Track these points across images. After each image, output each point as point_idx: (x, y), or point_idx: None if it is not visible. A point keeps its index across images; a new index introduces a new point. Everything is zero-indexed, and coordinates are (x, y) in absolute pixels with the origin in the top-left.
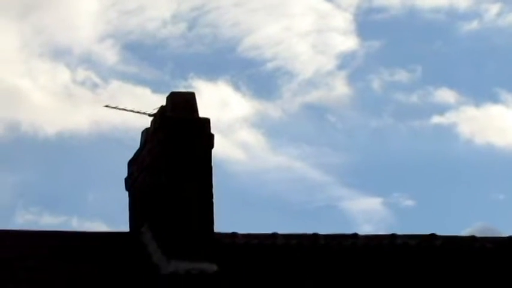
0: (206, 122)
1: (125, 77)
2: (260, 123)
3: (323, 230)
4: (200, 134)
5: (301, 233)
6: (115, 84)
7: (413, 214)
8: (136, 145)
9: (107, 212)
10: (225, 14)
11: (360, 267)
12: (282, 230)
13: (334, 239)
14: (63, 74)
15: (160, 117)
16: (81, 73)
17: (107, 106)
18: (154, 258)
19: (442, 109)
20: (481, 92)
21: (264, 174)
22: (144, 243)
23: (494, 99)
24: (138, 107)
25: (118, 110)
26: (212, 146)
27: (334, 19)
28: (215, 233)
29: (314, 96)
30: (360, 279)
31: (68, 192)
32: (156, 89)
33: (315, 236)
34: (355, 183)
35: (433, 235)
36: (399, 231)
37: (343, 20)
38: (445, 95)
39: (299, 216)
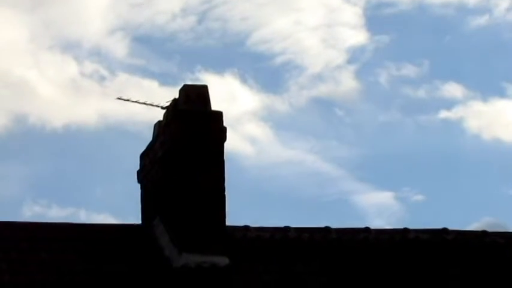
0: (219, 115)
1: (133, 70)
2: (268, 117)
3: (334, 224)
4: (213, 127)
5: (313, 227)
6: (122, 77)
7: (423, 208)
8: (144, 138)
9: (114, 204)
10: (234, 8)
11: (372, 261)
12: (293, 224)
13: (346, 233)
14: (71, 67)
15: (173, 110)
16: (89, 66)
17: (119, 98)
18: (166, 251)
19: (449, 104)
20: (489, 87)
21: (274, 168)
22: (156, 236)
23: (502, 94)
24: (145, 99)
25: (130, 103)
26: (225, 139)
27: (344, 13)
28: (227, 226)
29: (322, 90)
30: (372, 273)
31: (76, 185)
32: (163, 82)
33: (327, 230)
34: (365, 177)
35: (444, 229)
36: (410, 226)
37: (352, 14)
38: (453, 89)
39: (313, 209)
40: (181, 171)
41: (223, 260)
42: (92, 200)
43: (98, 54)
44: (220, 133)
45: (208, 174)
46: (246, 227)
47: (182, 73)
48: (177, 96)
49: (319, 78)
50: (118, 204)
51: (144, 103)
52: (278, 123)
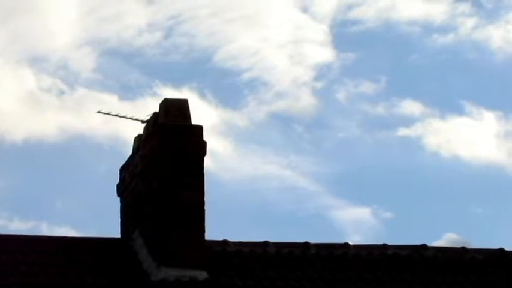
0: (199, 129)
1: (93, 84)
2: (227, 132)
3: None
4: (193, 140)
5: (292, 242)
6: (81, 91)
7: (393, 225)
8: (104, 151)
9: (75, 217)
10: (201, 24)
11: (351, 277)
12: (269, 239)
13: (325, 248)
14: (30, 81)
15: (153, 123)
16: (48, 80)
17: (99, 112)
18: (144, 264)
19: (409, 121)
20: (447, 105)
21: (234, 182)
22: (134, 249)
23: (460, 112)
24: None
25: (111, 116)
26: (205, 153)
27: (311, 31)
28: (206, 240)
29: (281, 106)
30: None
31: (37, 198)
32: (123, 97)
33: (306, 245)
34: (328, 191)
35: (423, 246)
36: (386, 242)
37: (319, 31)
38: (411, 106)
39: (259, 224)
40: (161, 185)
41: (202, 274)
42: (53, 213)
43: (63, 68)
44: (200, 147)
45: (188, 188)
46: (225, 242)
47: (141, 88)
48: (156, 110)
49: (281, 94)
50: (78, 217)
51: (125, 117)
52: (238, 138)
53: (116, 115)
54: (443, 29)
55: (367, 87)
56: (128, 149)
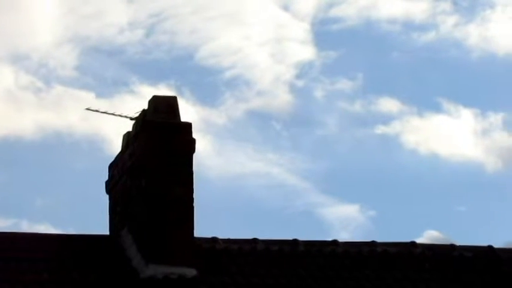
0: (188, 126)
1: (70, 82)
2: (205, 129)
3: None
4: (181, 138)
5: (281, 239)
6: (59, 88)
7: (377, 223)
8: (81, 149)
9: (54, 214)
10: (182, 22)
11: (340, 274)
12: (258, 236)
13: (314, 245)
14: (8, 78)
15: (142, 121)
16: (26, 78)
17: (87, 109)
18: (133, 262)
19: (387, 119)
20: (425, 102)
21: (217, 180)
22: (123, 246)
23: (438, 109)
24: (81, 111)
25: (100, 113)
26: (194, 151)
27: (292, 29)
28: (195, 237)
29: (259, 103)
30: (340, 286)
31: (16, 195)
32: (100, 94)
33: (295, 242)
34: (314, 188)
35: (412, 243)
36: (373, 239)
37: (300, 29)
38: (389, 105)
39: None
40: (150, 182)
41: (190, 272)
42: (32, 211)
43: (44, 66)
44: (189, 144)
45: (177, 185)
46: (214, 239)
47: (118, 85)
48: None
49: (259, 92)
50: (58, 214)
51: (113, 114)
52: (216, 135)
53: (105, 112)
54: (424, 27)
55: (345, 85)
56: (106, 147)
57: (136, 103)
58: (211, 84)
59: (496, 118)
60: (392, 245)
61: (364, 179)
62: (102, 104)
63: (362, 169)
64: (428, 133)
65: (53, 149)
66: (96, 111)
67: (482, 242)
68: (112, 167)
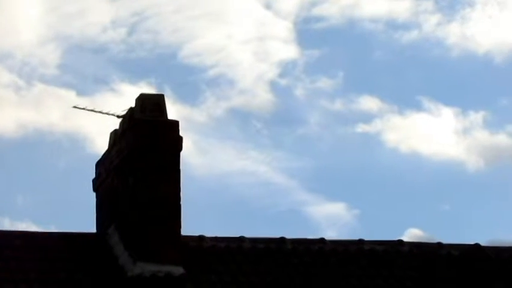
0: (175, 124)
1: (51, 80)
2: (186, 128)
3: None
4: (169, 136)
5: (268, 237)
6: (39, 86)
7: (361, 221)
8: (63, 147)
9: (36, 212)
10: (165, 21)
11: (328, 272)
12: (245, 234)
13: (301, 243)
14: None
15: (129, 119)
16: (7, 76)
17: (75, 107)
18: (120, 260)
19: (368, 117)
20: (406, 100)
21: (197, 178)
22: (110, 244)
23: (418, 107)
24: (62, 109)
25: (87, 111)
26: (181, 149)
27: (275, 27)
28: (182, 235)
29: (240, 102)
30: (328, 284)
31: None
32: (80, 92)
33: (282, 241)
34: (297, 186)
35: (400, 241)
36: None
37: (283, 28)
38: (369, 103)
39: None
40: (137, 180)
41: (178, 270)
42: (14, 208)
43: (27, 64)
44: (176, 142)
45: (164, 183)
46: (201, 237)
47: (99, 83)
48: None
49: (241, 90)
50: (39, 212)
51: (101, 112)
52: (197, 133)
53: (92, 110)
54: (407, 26)
55: (326, 83)
56: (87, 145)
57: (117, 101)
58: (193, 82)
59: (476, 117)
60: (379, 243)
61: (347, 177)
62: (83, 102)
63: (344, 168)
64: (409, 132)
65: (34, 147)
66: (83, 109)
67: (465, 241)
68: (99, 165)
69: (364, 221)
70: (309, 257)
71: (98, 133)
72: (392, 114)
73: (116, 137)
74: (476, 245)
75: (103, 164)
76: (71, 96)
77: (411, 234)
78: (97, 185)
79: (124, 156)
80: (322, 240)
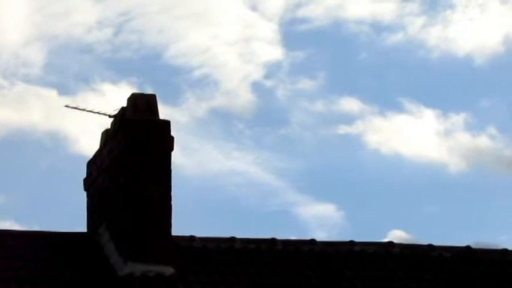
0: (166, 124)
1: (33, 80)
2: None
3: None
4: (160, 136)
5: (259, 238)
6: (21, 86)
7: (346, 222)
8: (44, 146)
9: (18, 211)
10: (150, 21)
11: (318, 273)
12: (235, 234)
13: (292, 244)
14: None
15: (121, 118)
16: None
17: (66, 106)
18: (111, 259)
19: (349, 119)
20: (387, 102)
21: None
22: (101, 244)
23: (400, 109)
24: (45, 109)
25: (78, 110)
26: (172, 149)
27: (260, 29)
28: (173, 236)
29: (222, 102)
30: (318, 285)
31: None
32: (62, 92)
33: (273, 241)
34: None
35: (390, 243)
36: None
37: (268, 29)
38: (351, 104)
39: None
40: (128, 180)
41: (168, 270)
42: None
43: (13, 64)
44: (168, 142)
45: (155, 183)
46: (192, 237)
47: (80, 83)
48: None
49: (224, 91)
50: (22, 211)
51: (92, 111)
52: (179, 134)
53: (84, 109)
54: (392, 28)
55: (308, 84)
56: (69, 144)
57: (100, 101)
58: (175, 83)
59: (457, 119)
60: (370, 245)
61: (330, 179)
62: (64, 102)
63: (326, 169)
64: (390, 133)
65: (15, 146)
66: (75, 108)
67: (449, 243)
68: (90, 164)
69: (348, 222)
70: (300, 257)
71: (80, 132)
72: (374, 116)
73: (107, 136)
74: (468, 247)
75: (94, 164)
76: (52, 96)
77: (395, 236)
78: (88, 184)
79: (115, 156)
80: (312, 241)
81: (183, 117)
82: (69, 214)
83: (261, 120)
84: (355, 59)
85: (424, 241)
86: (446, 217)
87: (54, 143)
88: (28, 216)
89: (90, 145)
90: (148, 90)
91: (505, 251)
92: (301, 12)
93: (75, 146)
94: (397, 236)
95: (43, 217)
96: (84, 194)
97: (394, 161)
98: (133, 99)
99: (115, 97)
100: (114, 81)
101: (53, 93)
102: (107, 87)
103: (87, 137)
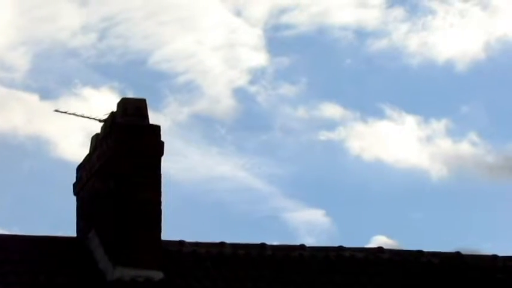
0: (156, 128)
1: (15, 84)
2: None
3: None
4: (150, 140)
5: (248, 243)
6: (2, 90)
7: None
8: (25, 150)
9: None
10: (135, 26)
11: (307, 279)
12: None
13: (281, 249)
14: None
15: (111, 123)
16: None
17: (56, 111)
18: (100, 264)
19: (331, 124)
20: (369, 108)
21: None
22: (90, 249)
23: (381, 115)
24: (26, 113)
25: (67, 115)
26: (162, 153)
27: (245, 34)
28: (162, 240)
29: (203, 107)
30: None
31: None
32: (43, 96)
33: (263, 246)
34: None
35: (380, 248)
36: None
37: (253, 35)
38: (333, 110)
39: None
40: (118, 185)
41: (157, 275)
42: None
43: None
44: (158, 147)
45: (145, 187)
46: (181, 242)
47: (62, 88)
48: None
49: (210, 96)
50: (2, 214)
51: (82, 116)
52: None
53: (73, 114)
54: (377, 35)
55: (290, 90)
56: (51, 148)
57: (81, 106)
58: (158, 88)
59: (438, 125)
60: (359, 251)
61: (314, 184)
62: (46, 106)
63: (310, 175)
64: (372, 139)
65: None
66: (65, 112)
67: (432, 249)
68: (80, 169)
69: (332, 227)
70: (289, 263)
71: (61, 136)
72: (356, 122)
73: (97, 141)
74: (457, 253)
75: (84, 168)
76: (34, 100)
77: (378, 241)
78: (78, 189)
79: (105, 160)
80: (302, 246)
81: (166, 122)
82: (51, 218)
83: (242, 126)
84: (339, 65)
85: (407, 247)
86: (428, 223)
87: (35, 147)
88: (9, 220)
89: (72, 149)
90: (130, 95)
91: (495, 256)
92: (286, 18)
93: (57, 150)
94: (380, 242)
95: (24, 221)
96: (67, 198)
97: (376, 167)
98: (123, 103)
99: (97, 102)
100: (96, 86)
101: (34, 98)
102: (88, 92)
103: (68, 141)
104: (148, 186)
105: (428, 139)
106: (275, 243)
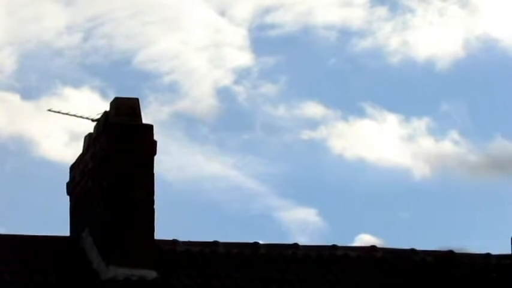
0: (149, 128)
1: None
2: None
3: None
4: (143, 140)
5: (241, 242)
6: None
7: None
8: (9, 151)
9: None
10: (120, 26)
11: (301, 278)
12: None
13: (274, 248)
14: None
15: (104, 122)
16: None
17: (49, 110)
18: (94, 263)
19: (314, 123)
20: (350, 107)
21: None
22: (84, 248)
23: (362, 114)
24: (7, 113)
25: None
26: (155, 153)
27: (230, 34)
28: (156, 239)
29: (185, 106)
30: None
31: None
32: (25, 96)
33: (256, 245)
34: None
35: (373, 247)
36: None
37: (238, 35)
38: (314, 109)
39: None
40: (111, 184)
41: (151, 274)
42: None
43: None
44: (151, 146)
45: (138, 187)
46: (175, 241)
47: (43, 88)
48: (107, 109)
49: (193, 96)
50: None
51: (75, 115)
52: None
53: (66, 113)
54: (361, 34)
55: (270, 89)
56: (33, 149)
57: (62, 105)
58: (140, 88)
59: (419, 124)
60: (352, 249)
61: (302, 183)
62: (27, 106)
63: (293, 174)
64: (353, 138)
65: None
66: (58, 112)
67: (418, 247)
68: (73, 168)
69: (319, 226)
70: (283, 262)
71: (43, 137)
72: (337, 121)
73: (90, 140)
74: (450, 252)
75: (77, 168)
76: (15, 100)
77: (363, 240)
78: (71, 188)
79: (98, 160)
80: (295, 245)
81: (146, 120)
82: (35, 218)
83: (224, 125)
84: (323, 64)
85: (393, 245)
86: (413, 221)
87: (18, 147)
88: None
89: (55, 149)
90: (111, 95)
91: (488, 255)
92: (271, 18)
93: (39, 150)
94: (364, 240)
95: (7, 221)
96: (50, 197)
97: (358, 166)
98: (116, 103)
99: (77, 101)
100: (77, 86)
101: (15, 98)
102: (69, 91)
103: (51, 141)
104: (141, 185)
105: (410, 138)
106: (268, 242)
